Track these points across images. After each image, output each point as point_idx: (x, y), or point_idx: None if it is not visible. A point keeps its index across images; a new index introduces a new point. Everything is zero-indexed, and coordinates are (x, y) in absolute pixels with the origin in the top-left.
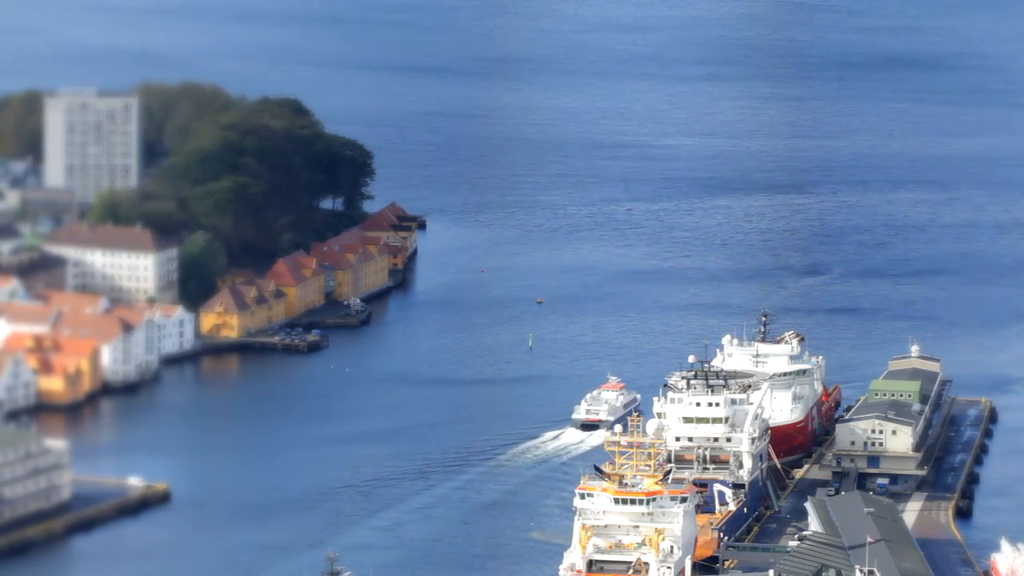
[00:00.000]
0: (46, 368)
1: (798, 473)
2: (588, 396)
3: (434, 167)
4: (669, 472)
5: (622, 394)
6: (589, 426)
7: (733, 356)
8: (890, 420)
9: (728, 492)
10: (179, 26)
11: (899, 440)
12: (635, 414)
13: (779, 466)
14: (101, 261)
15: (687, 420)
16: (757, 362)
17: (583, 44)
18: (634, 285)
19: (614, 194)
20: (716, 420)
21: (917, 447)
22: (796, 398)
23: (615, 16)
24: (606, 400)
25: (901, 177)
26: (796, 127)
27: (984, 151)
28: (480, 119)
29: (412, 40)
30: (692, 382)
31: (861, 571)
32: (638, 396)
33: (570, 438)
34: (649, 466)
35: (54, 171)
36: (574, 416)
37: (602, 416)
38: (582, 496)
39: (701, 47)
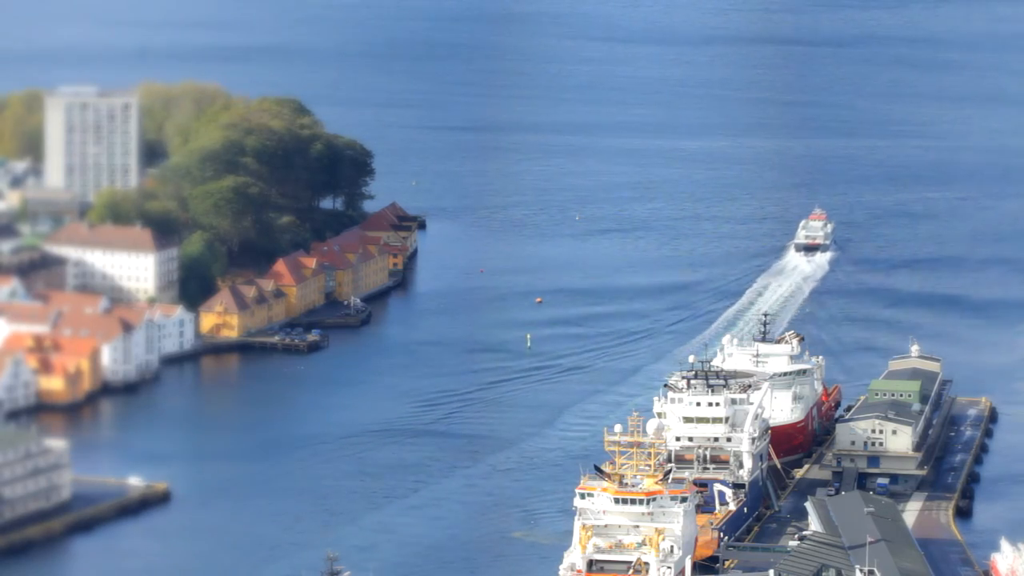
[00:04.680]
0: (46, 368)
1: (798, 473)
2: (801, 223)
3: (435, 166)
4: (670, 472)
5: (828, 222)
6: (810, 248)
7: (733, 356)
8: (890, 420)
9: (728, 492)
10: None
11: (899, 440)
12: (635, 413)
13: (779, 466)
14: (101, 261)
15: (687, 420)
16: (757, 362)
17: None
18: (634, 284)
19: (616, 193)
20: (716, 420)
21: (917, 447)
22: (796, 398)
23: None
24: (818, 227)
25: (920, 175)
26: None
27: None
28: (480, 116)
29: (411, 33)
30: (692, 382)
31: (861, 571)
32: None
33: (793, 260)
34: (649, 466)
35: (54, 171)
36: (796, 241)
37: (819, 240)
38: (582, 496)
39: (710, 47)
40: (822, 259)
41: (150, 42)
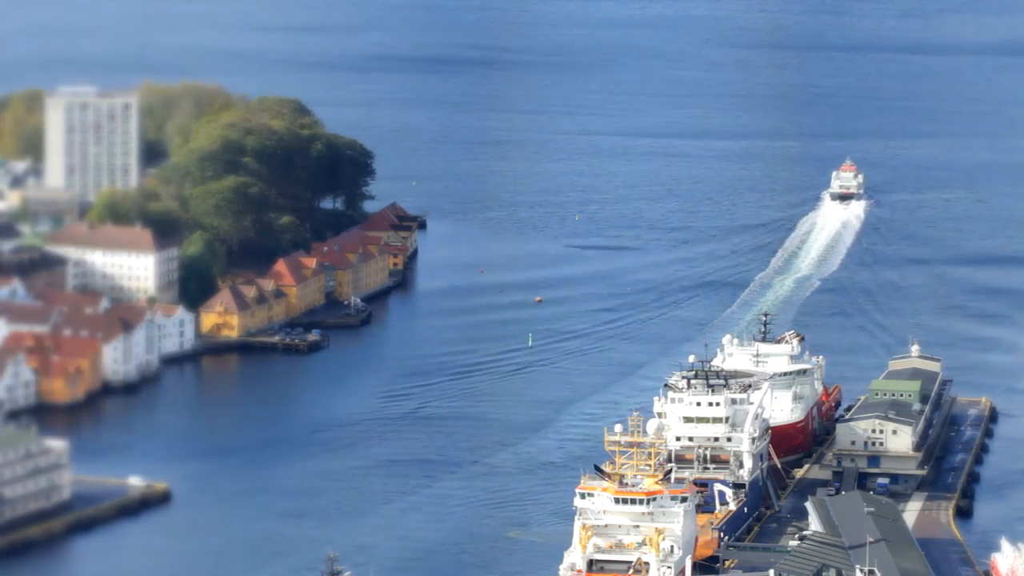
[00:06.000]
0: (46, 368)
1: (798, 473)
2: (834, 174)
3: (435, 166)
4: (670, 471)
5: (859, 173)
6: (844, 197)
7: (733, 356)
8: (890, 420)
9: (728, 492)
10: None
11: (899, 440)
12: (635, 413)
13: (779, 466)
14: (101, 261)
15: (687, 420)
16: (757, 362)
17: (590, 37)
18: (636, 282)
19: (616, 194)
20: (716, 420)
21: (917, 447)
22: (796, 398)
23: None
24: (850, 177)
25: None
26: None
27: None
28: (480, 117)
29: (412, 32)
30: (692, 382)
31: (861, 571)
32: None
33: (830, 209)
34: (649, 466)
35: (54, 171)
36: (831, 190)
37: (853, 189)
38: (582, 496)
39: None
40: (857, 207)
41: (267, 47)
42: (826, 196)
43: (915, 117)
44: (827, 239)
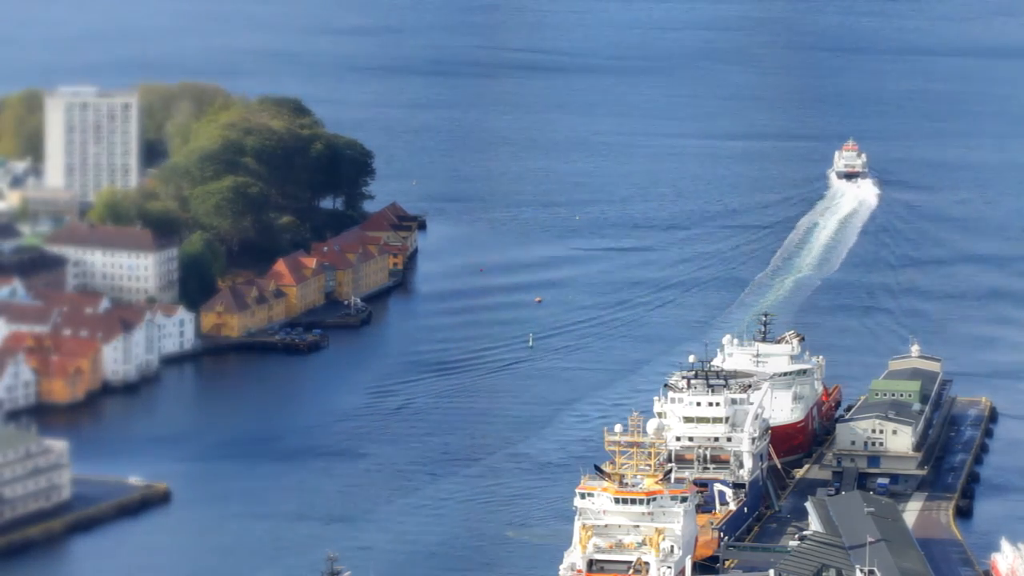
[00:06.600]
0: (46, 368)
1: (798, 473)
2: (837, 153)
3: (434, 166)
4: (670, 471)
5: (861, 152)
6: (850, 175)
7: (733, 356)
8: (890, 420)
9: (728, 492)
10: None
11: (899, 440)
12: (635, 413)
13: (779, 466)
14: (101, 261)
15: (687, 420)
16: (757, 362)
17: (592, 40)
18: (635, 282)
19: (616, 194)
20: (716, 420)
21: (917, 447)
22: (796, 398)
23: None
24: (853, 156)
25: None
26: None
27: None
28: (484, 117)
29: (415, 35)
30: (692, 382)
31: (861, 571)
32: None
33: (838, 185)
34: (649, 466)
35: (54, 171)
36: (836, 169)
37: (858, 167)
38: (582, 496)
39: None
40: (866, 185)
41: (270, 47)
42: (831, 175)
43: (924, 117)
44: (834, 226)
